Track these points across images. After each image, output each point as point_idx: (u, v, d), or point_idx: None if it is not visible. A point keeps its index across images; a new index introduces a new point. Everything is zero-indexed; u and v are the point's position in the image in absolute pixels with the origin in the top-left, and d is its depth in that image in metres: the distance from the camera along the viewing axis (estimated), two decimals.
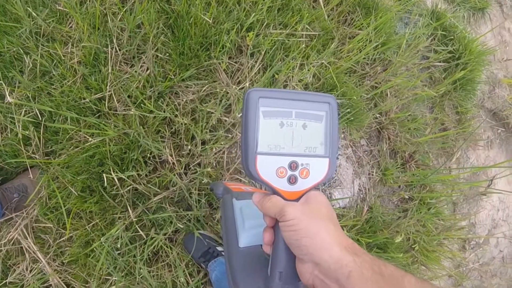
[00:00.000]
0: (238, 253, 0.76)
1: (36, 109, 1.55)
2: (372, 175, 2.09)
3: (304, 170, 0.64)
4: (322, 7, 2.01)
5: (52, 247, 1.55)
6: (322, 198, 0.64)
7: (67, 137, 1.59)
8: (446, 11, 2.52)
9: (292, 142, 0.64)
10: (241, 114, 0.70)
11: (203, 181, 1.60)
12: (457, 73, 2.23)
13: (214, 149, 1.70)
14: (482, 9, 2.86)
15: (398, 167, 2.12)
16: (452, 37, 2.46)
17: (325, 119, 0.66)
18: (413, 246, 1.97)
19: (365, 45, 2.06)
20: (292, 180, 0.63)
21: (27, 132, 1.54)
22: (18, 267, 1.53)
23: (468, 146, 2.53)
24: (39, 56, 1.60)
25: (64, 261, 1.56)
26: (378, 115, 2.13)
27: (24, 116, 1.55)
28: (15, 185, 1.53)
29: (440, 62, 2.40)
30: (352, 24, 2.12)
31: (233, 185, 1.23)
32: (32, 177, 1.54)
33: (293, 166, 0.64)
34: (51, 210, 1.55)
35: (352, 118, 1.91)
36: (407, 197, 2.13)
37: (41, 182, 1.53)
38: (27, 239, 1.51)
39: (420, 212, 2.04)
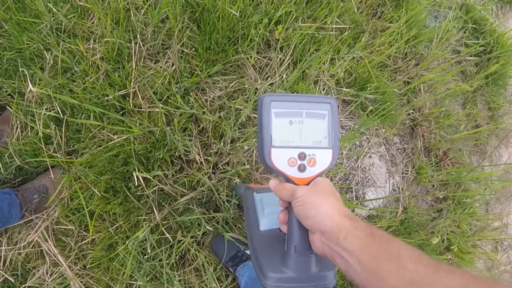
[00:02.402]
0: (259, 235, 0.82)
1: (58, 107, 1.37)
2: (406, 174, 1.87)
3: (312, 160, 0.71)
4: None
5: (74, 250, 1.36)
6: (326, 180, 0.71)
7: (90, 135, 1.41)
8: (475, 3, 2.29)
9: (300, 136, 0.72)
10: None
11: (235, 181, 1.40)
12: (490, 67, 2.00)
13: (244, 147, 1.50)
14: (510, 2, 2.63)
15: (432, 166, 1.90)
16: (483, 31, 2.23)
17: (328, 117, 0.73)
18: (451, 248, 1.74)
19: (396, 39, 1.84)
20: (301, 168, 0.70)
21: (48, 131, 1.35)
22: (38, 270, 1.34)
23: (501, 144, 2.29)
24: (60, 52, 1.42)
25: (86, 265, 1.37)
26: (411, 111, 1.90)
27: (45, 114, 1.37)
28: (35, 185, 1.34)
29: (471, 56, 2.17)
30: (382, 17, 1.91)
31: (253, 185, 1.29)
32: (53, 177, 1.36)
33: (301, 156, 0.71)
34: (73, 211, 1.37)
35: (386, 114, 1.69)
36: (442, 197, 1.90)
37: (63, 182, 1.35)
38: (47, 241, 1.32)
39: (456, 212, 1.81)
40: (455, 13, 2.11)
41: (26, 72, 1.32)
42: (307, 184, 0.71)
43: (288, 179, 0.71)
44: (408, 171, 1.89)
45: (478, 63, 2.21)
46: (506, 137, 2.26)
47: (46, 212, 1.36)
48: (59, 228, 1.37)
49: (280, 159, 0.70)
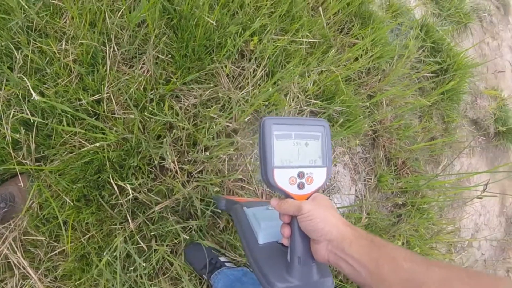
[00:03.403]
0: (259, 249, 0.82)
1: (27, 110, 1.28)
2: (369, 181, 1.92)
3: (309, 178, 0.74)
4: (322, 15, 1.82)
5: (44, 262, 1.26)
6: (325, 196, 0.76)
7: (61, 141, 1.32)
8: (434, 24, 2.40)
9: (298, 157, 0.75)
10: (257, 136, 0.87)
11: (215, 190, 1.38)
12: (448, 84, 2.09)
13: (222, 156, 1.48)
14: (464, 23, 2.77)
15: (392, 174, 1.97)
16: (440, 50, 2.34)
17: (321, 138, 0.77)
18: (414, 250, 1.81)
19: (361, 55, 1.89)
20: (301, 186, 0.74)
21: (17, 135, 1.26)
22: (7, 284, 1.23)
23: (454, 154, 2.41)
24: (30, 52, 1.33)
25: (57, 277, 1.28)
26: (374, 123, 1.96)
27: (13, 117, 1.27)
28: (1, 194, 1.23)
29: (429, 73, 2.27)
30: (349, 33, 1.95)
31: (232, 197, 1.31)
32: (22, 185, 1.26)
33: (300, 175, 0.74)
34: (43, 221, 1.28)
35: (352, 126, 1.73)
36: (401, 203, 1.97)
37: (33, 190, 1.26)
38: (16, 253, 1.22)
39: (414, 218, 1.89)
40: (416, 33, 2.20)
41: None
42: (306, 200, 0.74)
43: (288, 196, 0.73)
44: (370, 179, 1.94)
45: (434, 79, 2.31)
46: (457, 148, 2.39)
47: (13, 222, 1.26)
48: (27, 238, 1.27)
49: (281, 178, 0.73)
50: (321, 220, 0.67)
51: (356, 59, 1.88)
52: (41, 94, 1.33)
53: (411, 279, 0.54)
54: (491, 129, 2.78)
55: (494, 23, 3.31)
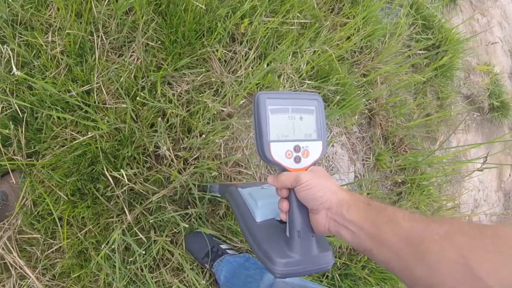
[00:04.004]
0: (258, 227, 0.80)
1: (16, 105, 1.21)
2: (367, 161, 1.87)
3: (305, 151, 0.73)
4: None
5: (41, 260, 1.20)
6: (321, 167, 0.78)
7: (52, 135, 1.25)
8: (424, 1, 2.34)
9: (293, 131, 0.73)
10: (252, 113, 0.82)
11: (212, 175, 1.32)
12: (441, 60, 2.05)
13: (218, 141, 1.42)
14: (454, 0, 2.72)
15: (390, 152, 1.92)
16: (431, 27, 2.29)
17: (315, 112, 0.76)
18: None
19: (353, 33, 1.83)
20: (297, 160, 0.72)
21: (6, 131, 1.19)
22: (4, 285, 1.17)
23: (450, 130, 2.37)
24: (16, 45, 1.26)
25: (55, 275, 1.22)
26: (369, 102, 1.91)
27: (1, 113, 1.20)
28: None
29: (421, 50, 2.21)
30: (340, 13, 1.89)
31: (226, 182, 1.30)
32: (14, 182, 1.19)
33: (297, 149, 0.73)
34: (37, 218, 1.21)
35: (347, 105, 1.68)
36: (400, 181, 1.92)
37: (25, 187, 1.19)
38: (11, 253, 1.15)
39: (414, 195, 1.85)
40: (406, 10, 2.14)
41: None
42: None
43: (285, 170, 0.72)
44: (368, 158, 1.89)
45: (427, 56, 2.26)
46: (452, 124, 2.34)
47: (7, 221, 1.20)
48: (22, 237, 1.20)
49: (278, 152, 0.71)
50: (320, 188, 0.65)
51: (348, 38, 1.82)
52: (29, 88, 1.26)
53: (410, 237, 0.52)
54: (485, 104, 2.74)
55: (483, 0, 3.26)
